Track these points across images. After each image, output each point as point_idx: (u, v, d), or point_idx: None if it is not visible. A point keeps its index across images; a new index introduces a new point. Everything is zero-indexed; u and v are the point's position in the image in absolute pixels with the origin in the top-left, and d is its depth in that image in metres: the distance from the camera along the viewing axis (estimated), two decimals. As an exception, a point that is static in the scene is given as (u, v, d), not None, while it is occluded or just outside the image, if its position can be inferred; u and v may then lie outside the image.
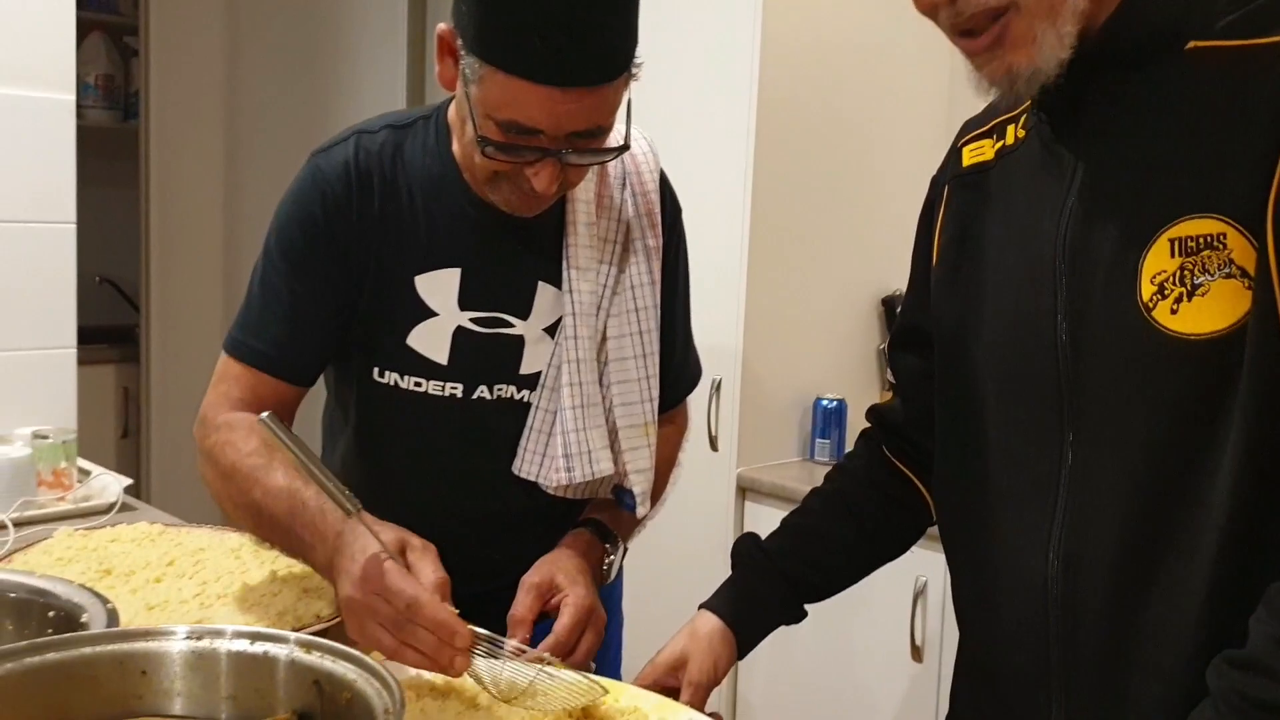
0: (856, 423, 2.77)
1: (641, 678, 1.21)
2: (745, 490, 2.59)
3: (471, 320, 1.34)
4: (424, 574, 1.05)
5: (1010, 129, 1.07)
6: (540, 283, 1.35)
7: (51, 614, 1.06)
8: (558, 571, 1.28)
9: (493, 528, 1.42)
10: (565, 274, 1.35)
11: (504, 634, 1.22)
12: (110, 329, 3.91)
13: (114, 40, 3.96)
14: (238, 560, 1.44)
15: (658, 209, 1.41)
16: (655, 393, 1.40)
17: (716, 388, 2.54)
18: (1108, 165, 0.94)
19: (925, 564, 2.24)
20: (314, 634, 0.92)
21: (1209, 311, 0.87)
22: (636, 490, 1.38)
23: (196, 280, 3.80)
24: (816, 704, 2.48)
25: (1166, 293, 0.88)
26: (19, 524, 1.70)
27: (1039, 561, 0.98)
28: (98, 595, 1.08)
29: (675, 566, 2.46)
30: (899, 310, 1.30)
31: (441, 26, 1.21)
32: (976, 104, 1.08)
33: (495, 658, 1.07)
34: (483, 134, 1.18)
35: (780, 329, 2.61)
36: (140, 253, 3.75)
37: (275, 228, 1.33)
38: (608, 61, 1.15)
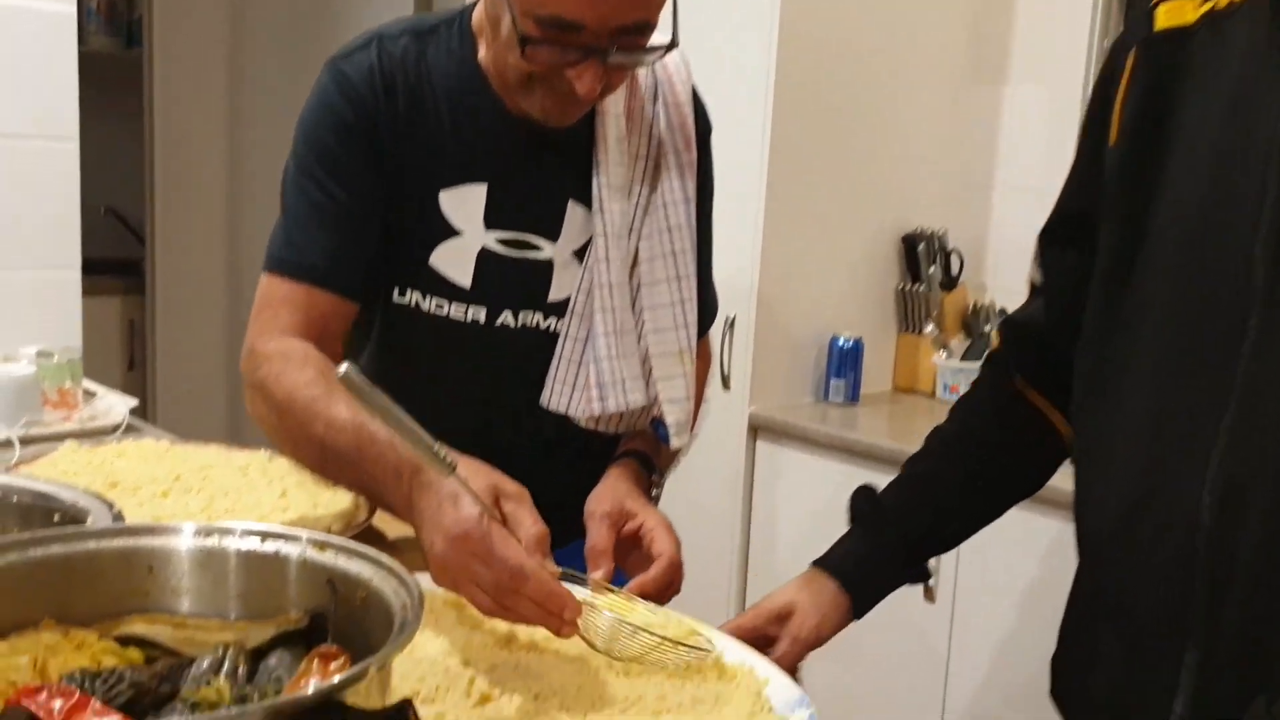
0: (873, 363, 2.74)
1: (742, 620, 1.14)
2: (758, 430, 2.56)
3: (498, 241, 1.29)
4: (523, 526, 0.97)
5: None
6: (570, 202, 1.30)
7: (56, 517, 1.03)
8: (625, 498, 1.23)
9: (520, 460, 1.37)
10: (596, 192, 1.29)
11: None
12: (116, 261, 3.87)
13: (115, -36, 3.89)
14: (245, 478, 1.41)
15: (691, 123, 1.35)
16: (692, 317, 1.33)
17: (730, 324, 2.50)
18: None
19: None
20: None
21: None
22: (671, 421, 1.33)
23: (202, 211, 3.76)
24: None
25: None
26: (25, 441, 1.67)
27: (1192, 490, 0.89)
28: (103, 500, 1.05)
29: (685, 507, 2.42)
30: (1057, 199, 1.11)
31: None
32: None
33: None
34: (522, 31, 1.12)
35: (797, 266, 2.57)
36: (144, 184, 3.70)
37: (303, 136, 1.26)
38: None
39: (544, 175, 1.29)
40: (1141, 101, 0.96)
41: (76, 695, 0.67)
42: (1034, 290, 1.15)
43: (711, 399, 2.49)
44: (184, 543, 0.83)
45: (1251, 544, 0.86)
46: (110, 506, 1.03)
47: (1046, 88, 2.76)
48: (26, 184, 2.07)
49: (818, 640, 1.14)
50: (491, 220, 1.28)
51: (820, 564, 1.18)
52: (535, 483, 1.36)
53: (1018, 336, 1.18)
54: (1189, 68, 0.94)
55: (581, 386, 1.31)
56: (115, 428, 1.82)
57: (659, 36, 1.18)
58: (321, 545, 0.82)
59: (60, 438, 1.73)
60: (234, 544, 0.83)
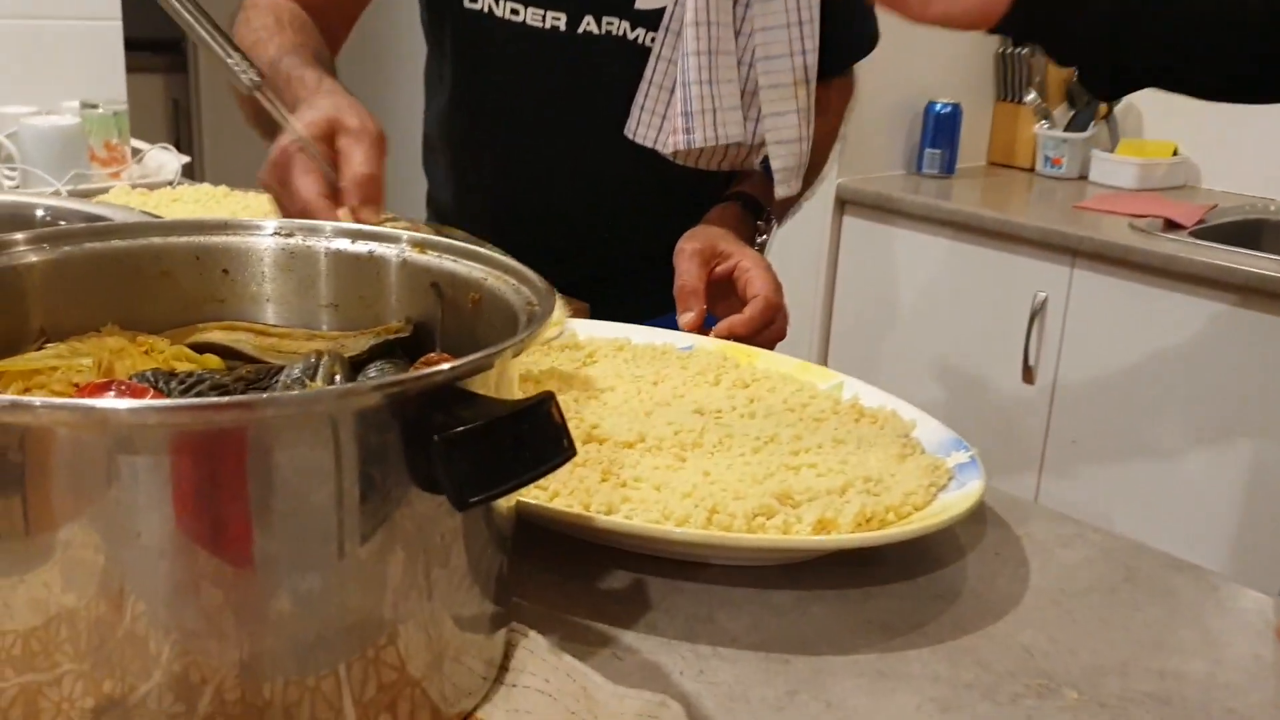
0: (970, 132, 2.54)
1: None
2: (845, 203, 2.40)
3: None
4: (351, 164, 0.85)
5: None
6: None
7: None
8: (719, 239, 1.11)
9: (606, 197, 1.23)
10: None
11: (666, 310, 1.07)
12: (158, 41, 3.69)
13: None
14: (314, 222, 1.29)
15: None
16: (812, 43, 1.16)
17: (818, 88, 2.31)
18: None
19: (1047, 278, 2.05)
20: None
21: None
22: (778, 166, 1.18)
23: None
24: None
25: None
26: (73, 196, 1.55)
27: None
28: (161, 220, 0.92)
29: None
30: None
31: None
32: None
33: None
34: None
35: (889, 24, 2.34)
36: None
37: None
38: None
39: None
40: None
41: (151, 393, 0.56)
42: None
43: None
44: (264, 242, 0.70)
45: None
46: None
47: None
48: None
49: None
50: None
51: None
52: (639, 230, 1.23)
53: None
54: None
55: (670, 116, 1.16)
56: (167, 185, 1.70)
57: None
58: (423, 246, 0.69)
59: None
60: (322, 244, 0.71)
